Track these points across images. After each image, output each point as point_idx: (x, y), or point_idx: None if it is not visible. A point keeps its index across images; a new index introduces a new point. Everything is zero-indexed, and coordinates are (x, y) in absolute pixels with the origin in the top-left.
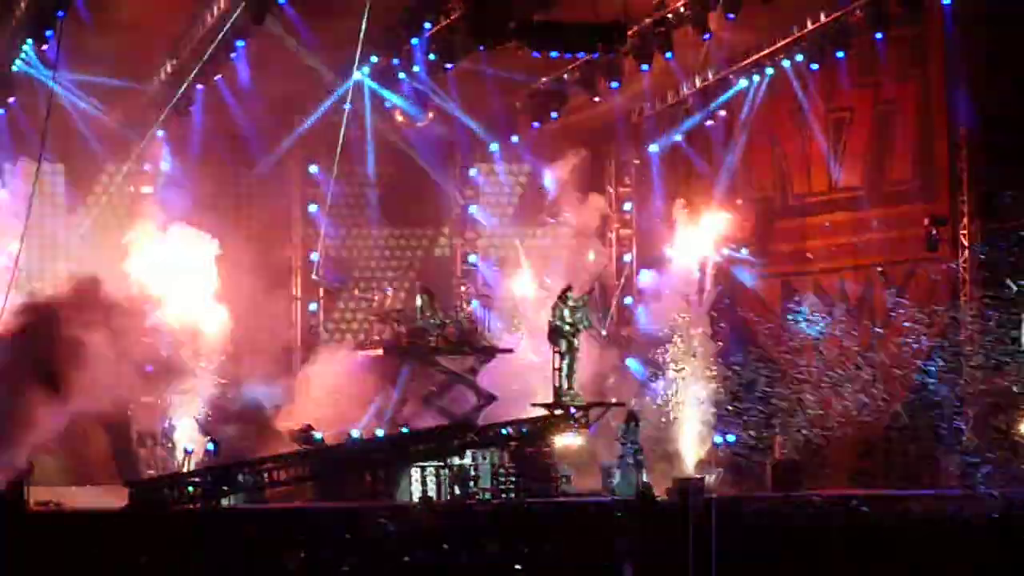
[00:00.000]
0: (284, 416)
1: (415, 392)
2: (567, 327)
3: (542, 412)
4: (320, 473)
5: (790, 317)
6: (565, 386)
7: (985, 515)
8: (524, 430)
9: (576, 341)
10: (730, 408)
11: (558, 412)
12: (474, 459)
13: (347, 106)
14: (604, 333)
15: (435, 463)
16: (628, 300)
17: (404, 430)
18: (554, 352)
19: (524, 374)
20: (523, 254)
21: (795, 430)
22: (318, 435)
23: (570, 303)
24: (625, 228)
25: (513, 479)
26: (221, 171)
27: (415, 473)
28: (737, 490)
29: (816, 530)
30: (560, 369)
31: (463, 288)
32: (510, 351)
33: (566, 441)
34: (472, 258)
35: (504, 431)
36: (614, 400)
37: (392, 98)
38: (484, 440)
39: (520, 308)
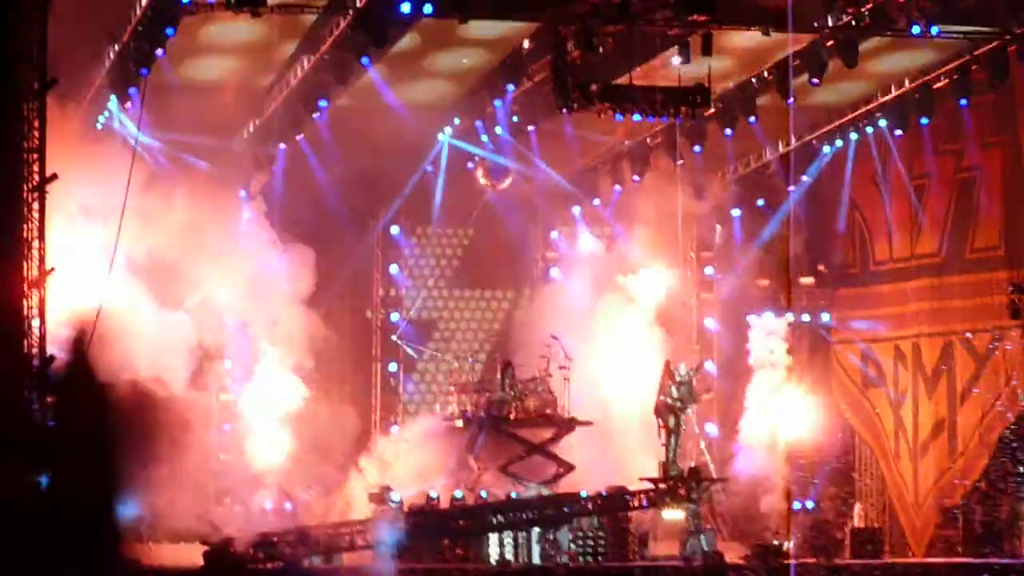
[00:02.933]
0: (360, 475)
1: (494, 459)
2: (675, 402)
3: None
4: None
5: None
6: (671, 459)
7: None
8: (645, 503)
9: (683, 416)
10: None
11: (664, 486)
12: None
13: (429, 168)
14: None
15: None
16: (709, 365)
17: (483, 494)
18: (660, 428)
19: (602, 443)
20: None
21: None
22: (396, 496)
23: (677, 379)
24: (706, 292)
25: (591, 543)
26: (302, 230)
27: (493, 536)
28: (816, 557)
29: None
30: (667, 444)
31: (543, 359)
32: (589, 424)
33: (672, 516)
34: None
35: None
36: (716, 476)
37: (477, 153)
38: (600, 509)
39: (598, 380)
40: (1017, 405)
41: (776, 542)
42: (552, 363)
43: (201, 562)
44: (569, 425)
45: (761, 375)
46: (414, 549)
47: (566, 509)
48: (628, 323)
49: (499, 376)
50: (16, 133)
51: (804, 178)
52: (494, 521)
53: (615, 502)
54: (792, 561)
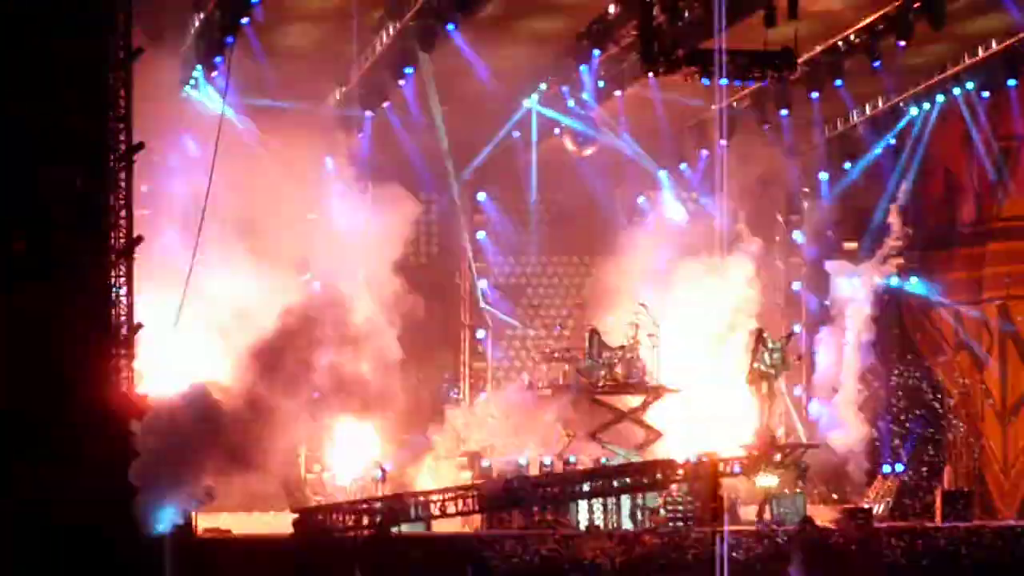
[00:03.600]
0: (450, 441)
1: (582, 426)
2: (768, 370)
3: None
4: (489, 507)
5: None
6: (764, 425)
7: None
8: (738, 469)
9: (776, 384)
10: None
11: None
12: None
13: (516, 134)
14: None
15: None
16: (796, 327)
17: (571, 459)
18: (754, 395)
19: (691, 410)
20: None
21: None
22: (486, 462)
23: (769, 346)
24: (794, 256)
25: (680, 508)
26: (391, 195)
27: (583, 502)
28: (906, 520)
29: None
30: (761, 411)
31: (632, 326)
32: (677, 391)
33: (765, 482)
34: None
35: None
36: (809, 442)
37: (564, 121)
38: (691, 475)
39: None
40: None
41: (865, 505)
42: (640, 330)
43: (291, 530)
44: (657, 392)
45: (849, 337)
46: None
47: (657, 476)
48: (717, 290)
49: (587, 344)
50: (102, 102)
51: (891, 141)
52: (583, 488)
53: (707, 468)
54: (882, 524)
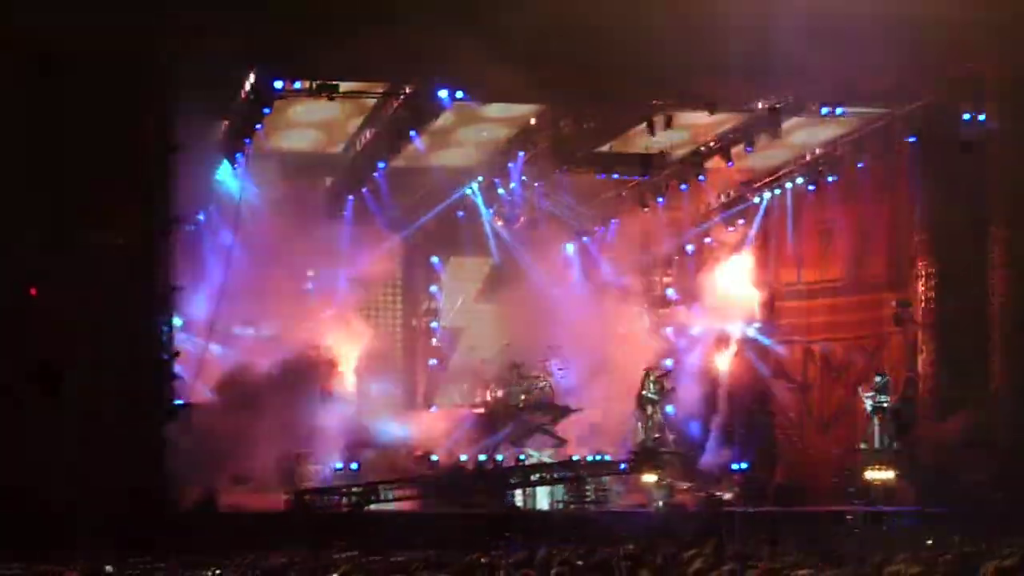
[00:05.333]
0: (407, 445)
1: (507, 435)
2: (653, 396)
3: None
4: (441, 491)
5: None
6: (647, 437)
7: None
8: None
9: (657, 406)
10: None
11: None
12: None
13: (461, 214)
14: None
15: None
16: (669, 363)
17: (499, 458)
18: (640, 415)
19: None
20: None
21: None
22: (434, 458)
23: (651, 379)
24: (664, 308)
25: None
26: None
27: (538, 490)
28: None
29: None
30: (646, 426)
31: (543, 362)
32: (579, 410)
33: (648, 478)
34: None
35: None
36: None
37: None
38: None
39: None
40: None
41: (718, 494)
42: (551, 363)
43: (282, 507)
44: (564, 411)
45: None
46: (448, 498)
47: (562, 472)
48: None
49: (511, 373)
50: (148, 186)
51: (740, 221)
52: (510, 479)
53: (601, 466)
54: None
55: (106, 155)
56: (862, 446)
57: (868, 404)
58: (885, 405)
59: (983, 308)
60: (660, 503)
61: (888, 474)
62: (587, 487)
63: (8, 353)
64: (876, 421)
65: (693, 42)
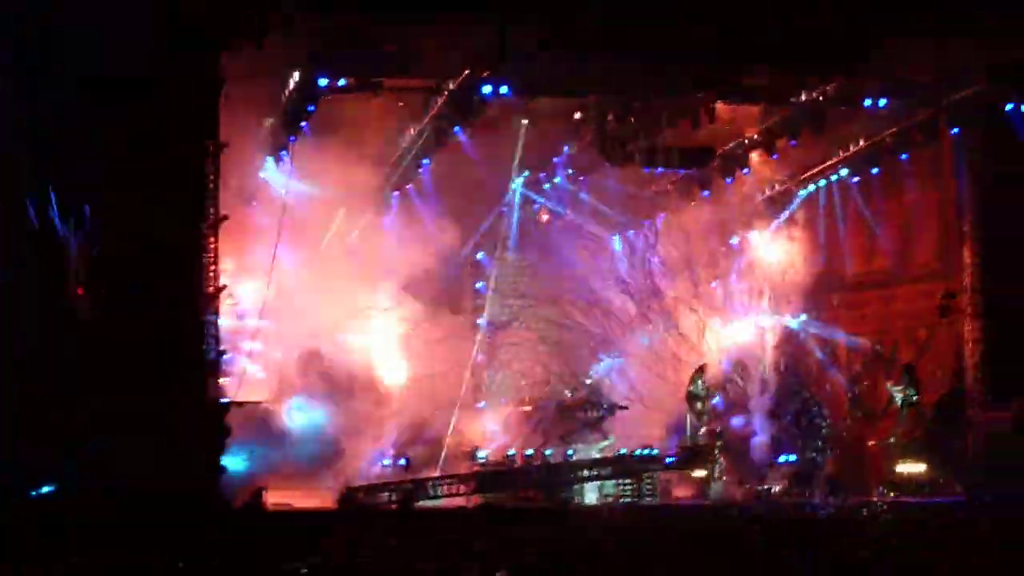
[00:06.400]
0: (456, 440)
1: (555, 432)
2: (700, 393)
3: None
4: (488, 488)
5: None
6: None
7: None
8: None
9: (705, 404)
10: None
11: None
12: None
13: (505, 209)
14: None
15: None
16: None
17: (547, 453)
18: (688, 410)
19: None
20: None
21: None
22: (482, 453)
23: (700, 376)
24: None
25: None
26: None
27: (589, 486)
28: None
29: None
30: (695, 421)
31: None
32: (626, 407)
33: (699, 473)
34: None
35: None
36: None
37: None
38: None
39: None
40: (947, 383)
41: (766, 487)
42: (598, 359)
43: (334, 505)
44: (612, 408)
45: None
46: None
47: (610, 468)
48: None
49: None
50: (197, 185)
51: (785, 213)
52: (561, 475)
53: (650, 461)
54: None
55: (156, 154)
56: (892, 440)
57: (898, 398)
58: (914, 399)
59: None
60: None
61: (919, 467)
62: (639, 482)
63: (67, 351)
64: (904, 415)
65: (738, 33)
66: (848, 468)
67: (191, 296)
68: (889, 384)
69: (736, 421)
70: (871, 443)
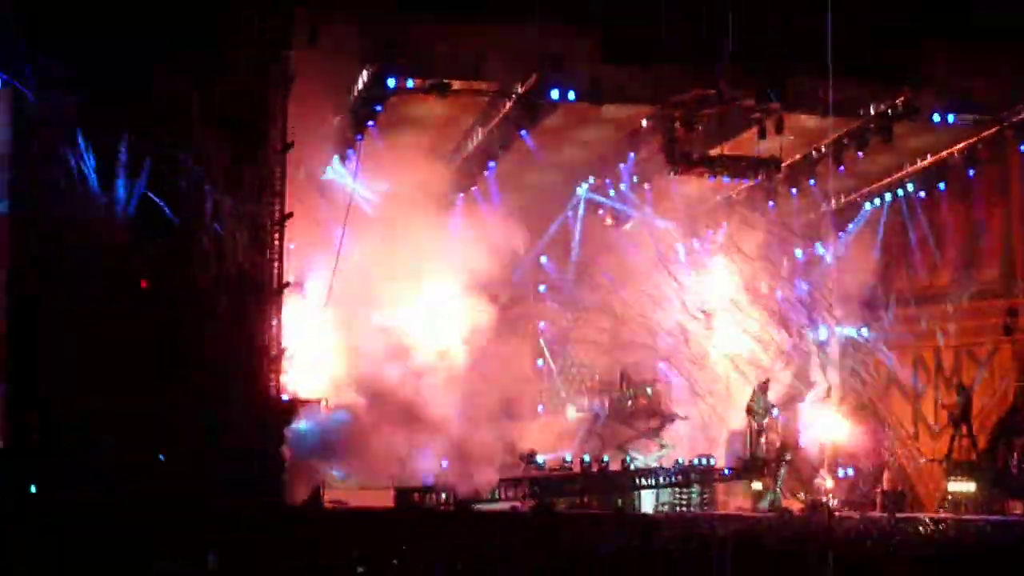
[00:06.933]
0: (519, 441)
1: (613, 440)
2: (760, 409)
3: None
4: (544, 492)
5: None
6: (757, 444)
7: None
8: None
9: (763, 420)
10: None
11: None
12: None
13: (569, 213)
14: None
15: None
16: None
17: (604, 459)
18: (749, 424)
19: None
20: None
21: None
22: (541, 458)
23: (759, 393)
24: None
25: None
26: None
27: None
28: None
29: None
30: (755, 436)
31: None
32: (685, 418)
33: (756, 485)
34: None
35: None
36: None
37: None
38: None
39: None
40: (1008, 400)
41: (824, 499)
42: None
43: (392, 503)
44: (671, 417)
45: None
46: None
47: (664, 476)
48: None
49: (619, 379)
50: (263, 182)
51: (851, 226)
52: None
53: (708, 471)
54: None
55: (229, 152)
56: (944, 459)
57: (949, 417)
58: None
59: None
60: (771, 504)
61: (969, 486)
62: (692, 492)
63: (133, 348)
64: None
65: (804, 44)
66: (904, 484)
67: (258, 291)
68: (940, 403)
69: (798, 434)
70: (923, 460)
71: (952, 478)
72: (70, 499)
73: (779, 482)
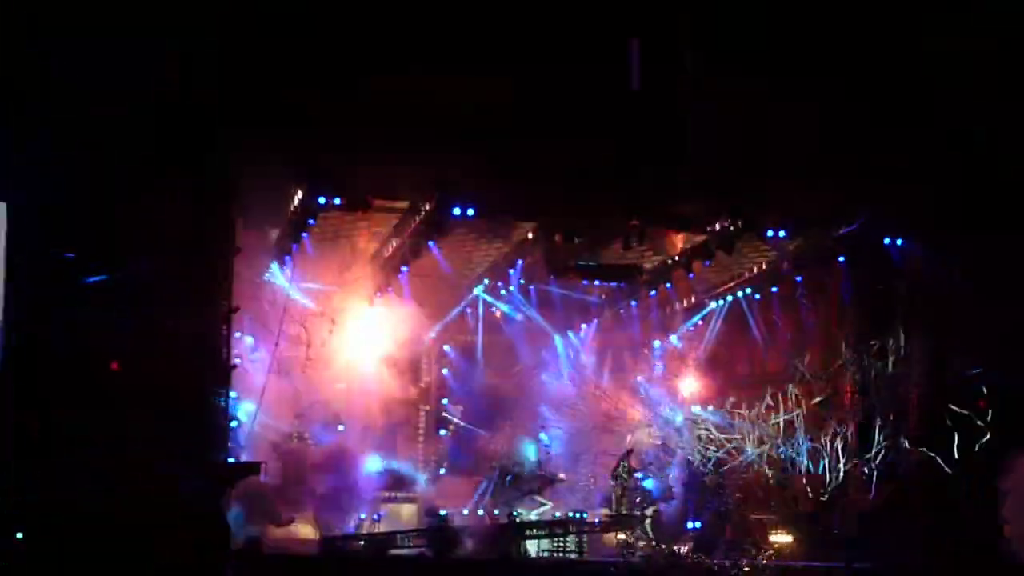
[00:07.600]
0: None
1: (503, 499)
2: (623, 474)
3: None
4: (443, 545)
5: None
6: (621, 502)
7: None
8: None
9: (630, 482)
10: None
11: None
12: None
13: (469, 310)
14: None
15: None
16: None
17: (496, 512)
18: (613, 488)
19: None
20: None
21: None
22: (443, 512)
23: (624, 461)
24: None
25: (561, 546)
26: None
27: (531, 543)
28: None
29: None
30: (619, 496)
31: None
32: (562, 481)
33: (621, 536)
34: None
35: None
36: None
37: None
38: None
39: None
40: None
41: (675, 548)
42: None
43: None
44: (550, 480)
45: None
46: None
47: (546, 528)
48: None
49: (505, 450)
50: (214, 283)
51: (698, 321)
52: (512, 532)
53: (582, 524)
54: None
55: (181, 256)
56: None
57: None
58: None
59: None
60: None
61: (788, 538)
62: (569, 541)
63: (94, 419)
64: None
65: (664, 172)
66: (742, 536)
67: (209, 372)
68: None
69: (655, 496)
70: (753, 516)
71: (775, 531)
72: (70, 499)
73: (644, 533)
